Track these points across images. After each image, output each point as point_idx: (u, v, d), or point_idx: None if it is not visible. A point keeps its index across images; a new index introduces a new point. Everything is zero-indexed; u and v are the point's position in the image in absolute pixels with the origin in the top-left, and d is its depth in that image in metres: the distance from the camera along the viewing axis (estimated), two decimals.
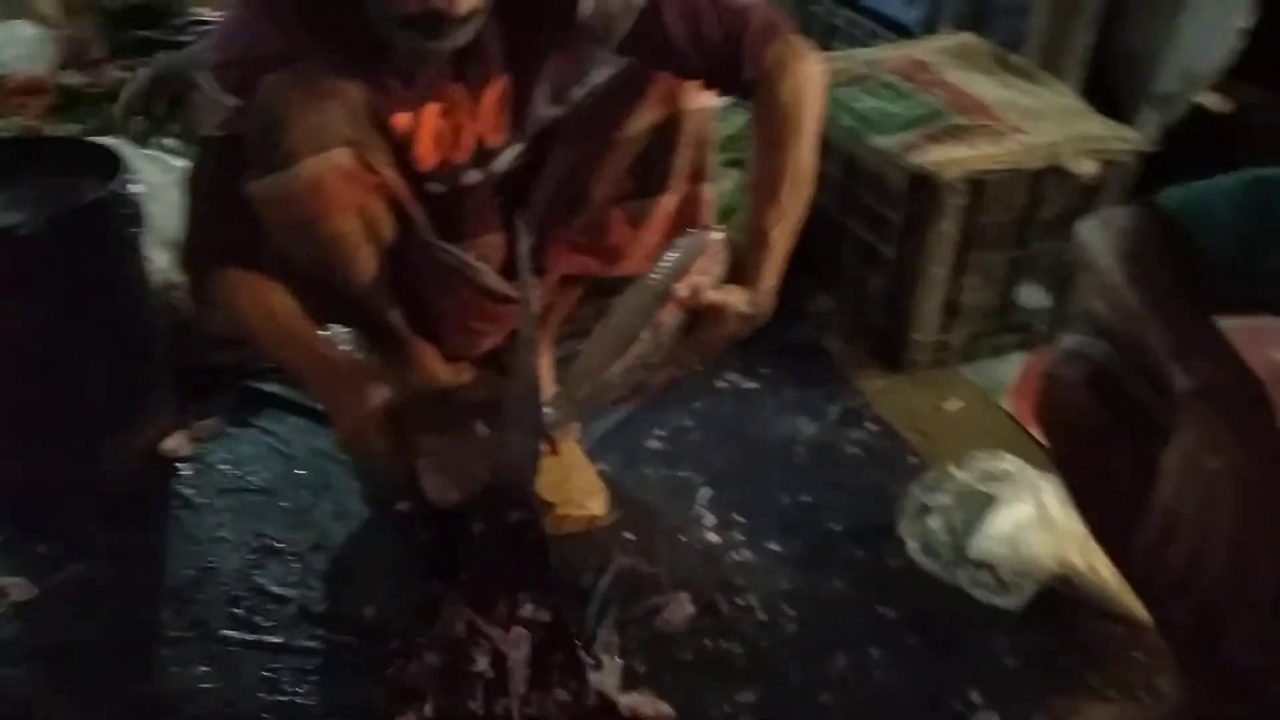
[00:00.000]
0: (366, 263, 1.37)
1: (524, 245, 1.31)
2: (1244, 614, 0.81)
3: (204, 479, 1.66)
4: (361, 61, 1.28)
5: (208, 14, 2.70)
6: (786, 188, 1.31)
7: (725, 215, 2.12)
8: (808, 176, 1.32)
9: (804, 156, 1.32)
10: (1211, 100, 2.41)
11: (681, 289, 1.26)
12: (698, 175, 1.50)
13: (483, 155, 1.45)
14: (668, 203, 1.51)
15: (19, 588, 1.45)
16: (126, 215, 1.59)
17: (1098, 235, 1.01)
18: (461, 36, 1.26)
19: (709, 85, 1.40)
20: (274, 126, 1.23)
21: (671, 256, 1.28)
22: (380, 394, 1.31)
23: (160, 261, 1.83)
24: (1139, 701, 1.30)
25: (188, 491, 1.63)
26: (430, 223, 1.43)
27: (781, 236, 1.32)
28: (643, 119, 1.44)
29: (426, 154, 1.39)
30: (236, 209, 1.29)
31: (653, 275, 1.29)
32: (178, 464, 1.68)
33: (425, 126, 1.37)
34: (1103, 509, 1.14)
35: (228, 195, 1.29)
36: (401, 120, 1.35)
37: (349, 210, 1.31)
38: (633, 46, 1.34)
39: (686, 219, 1.51)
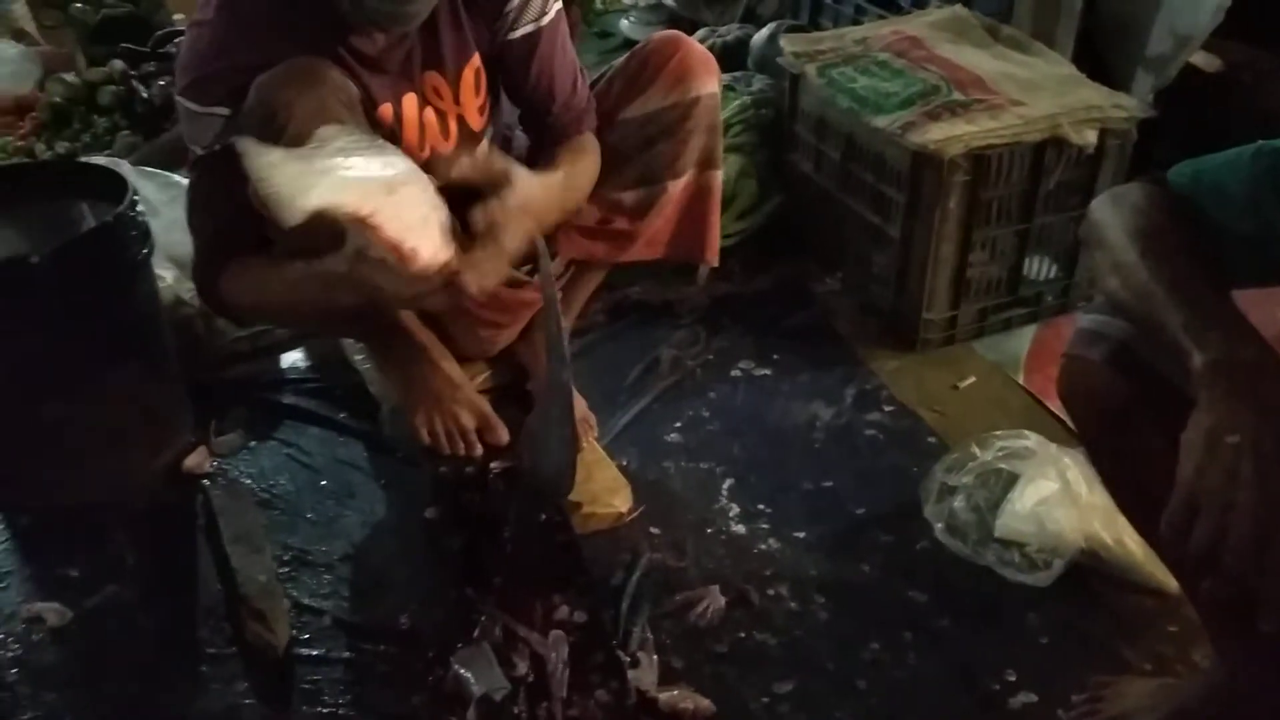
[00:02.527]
0: None
1: (541, 248, 1.30)
2: (1270, 585, 0.81)
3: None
4: (335, 59, 1.29)
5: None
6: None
7: (728, 203, 2.12)
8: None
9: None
10: (1202, 59, 2.41)
11: None
12: (707, 162, 1.50)
13: (468, 140, 1.45)
14: (675, 189, 1.51)
15: (54, 613, 1.45)
16: (134, 236, 1.59)
17: (1110, 213, 1.00)
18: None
19: (528, 122, 1.51)
20: (274, 116, 1.22)
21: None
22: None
23: (169, 279, 1.83)
24: (1175, 674, 1.31)
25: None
26: None
27: None
28: (649, 103, 1.46)
29: (414, 143, 1.40)
30: (241, 223, 1.29)
31: None
32: (201, 481, 1.68)
33: (408, 115, 1.38)
34: (1132, 485, 1.13)
35: (231, 210, 1.28)
36: (386, 111, 1.36)
37: None
38: (518, 56, 1.40)
39: (697, 206, 1.52)
